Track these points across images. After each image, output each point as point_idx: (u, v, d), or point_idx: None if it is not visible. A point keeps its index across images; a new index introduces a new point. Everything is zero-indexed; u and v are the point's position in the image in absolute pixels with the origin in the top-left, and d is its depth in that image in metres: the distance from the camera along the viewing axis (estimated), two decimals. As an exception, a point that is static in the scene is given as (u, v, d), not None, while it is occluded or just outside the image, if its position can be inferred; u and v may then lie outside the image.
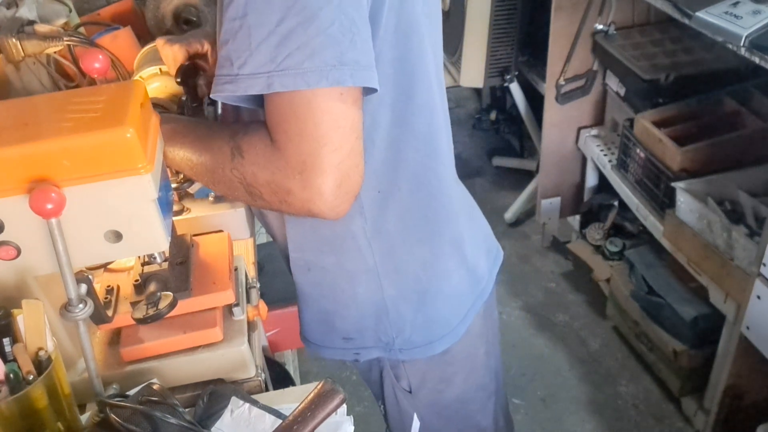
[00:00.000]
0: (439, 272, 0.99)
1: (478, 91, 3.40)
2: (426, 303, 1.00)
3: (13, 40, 1.07)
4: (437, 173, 0.95)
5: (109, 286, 0.88)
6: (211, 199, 1.11)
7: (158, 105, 0.98)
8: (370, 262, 0.94)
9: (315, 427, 0.71)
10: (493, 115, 3.02)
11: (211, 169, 0.80)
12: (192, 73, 1.07)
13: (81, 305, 0.73)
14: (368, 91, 0.74)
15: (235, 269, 0.96)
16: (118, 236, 0.74)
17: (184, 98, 1.04)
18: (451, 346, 1.05)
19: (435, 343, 1.02)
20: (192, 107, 1.05)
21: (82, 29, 1.44)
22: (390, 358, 1.04)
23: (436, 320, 1.02)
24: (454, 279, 1.01)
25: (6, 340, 0.70)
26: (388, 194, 0.90)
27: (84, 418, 0.77)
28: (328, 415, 0.72)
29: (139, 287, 0.86)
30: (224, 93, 0.71)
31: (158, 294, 0.82)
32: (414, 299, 0.99)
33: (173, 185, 1.05)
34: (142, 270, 0.86)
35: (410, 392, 1.08)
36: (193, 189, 1.08)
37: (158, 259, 0.87)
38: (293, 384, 1.61)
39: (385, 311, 0.99)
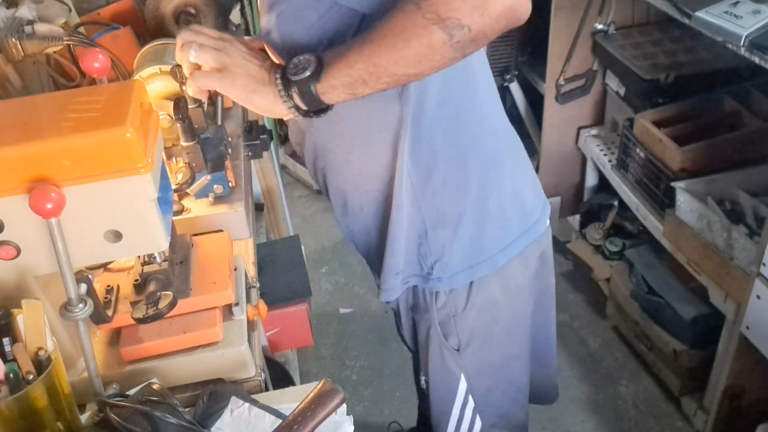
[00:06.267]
0: (474, 194, 1.01)
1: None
2: (462, 226, 1.02)
3: (13, 40, 1.07)
4: (471, 96, 0.97)
5: (109, 286, 0.88)
6: (211, 199, 1.11)
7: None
8: (407, 184, 0.97)
9: (315, 427, 0.71)
10: (493, 115, 3.01)
11: (402, 38, 0.76)
12: None
13: (81, 305, 0.73)
14: None
15: (235, 269, 0.96)
16: (118, 236, 0.74)
17: (182, 99, 1.04)
18: (499, 302, 1.08)
19: (474, 268, 1.04)
20: (190, 108, 1.05)
21: (82, 29, 1.44)
22: (436, 298, 1.06)
23: (475, 245, 1.04)
24: (491, 202, 1.03)
25: (6, 340, 0.70)
26: (434, 116, 0.94)
27: (84, 418, 0.77)
28: (328, 414, 0.72)
29: (139, 287, 0.86)
30: None
31: (158, 294, 0.82)
32: (451, 222, 1.01)
33: (173, 185, 1.05)
34: (142, 270, 0.86)
35: (458, 350, 1.10)
36: (192, 189, 1.08)
37: (158, 259, 0.87)
38: (293, 384, 1.61)
39: (425, 235, 1.02)
